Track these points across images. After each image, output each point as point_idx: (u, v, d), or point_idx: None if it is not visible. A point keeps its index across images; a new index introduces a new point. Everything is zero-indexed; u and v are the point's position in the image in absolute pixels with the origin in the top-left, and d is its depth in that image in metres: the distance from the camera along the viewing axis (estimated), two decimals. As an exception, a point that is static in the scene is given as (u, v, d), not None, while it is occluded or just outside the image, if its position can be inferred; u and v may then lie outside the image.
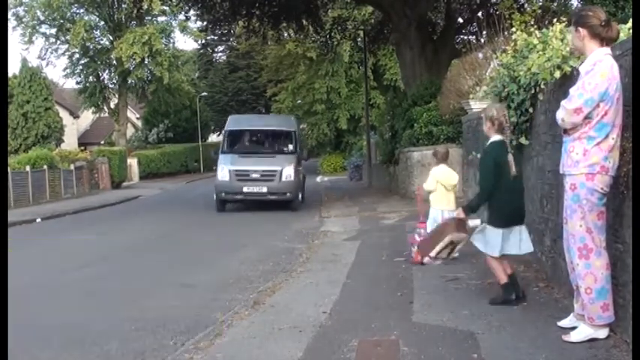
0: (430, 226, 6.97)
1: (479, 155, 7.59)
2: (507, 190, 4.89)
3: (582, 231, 3.78)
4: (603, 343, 3.78)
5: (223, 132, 17.34)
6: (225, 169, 15.53)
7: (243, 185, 15.23)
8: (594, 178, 3.70)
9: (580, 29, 3.77)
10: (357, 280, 6.42)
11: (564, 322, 4.19)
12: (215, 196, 15.80)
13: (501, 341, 4.09)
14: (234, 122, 17.59)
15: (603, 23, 3.71)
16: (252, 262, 8.13)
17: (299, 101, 39.34)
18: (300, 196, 16.15)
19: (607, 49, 3.72)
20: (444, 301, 5.23)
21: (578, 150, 3.74)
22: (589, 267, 3.76)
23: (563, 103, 3.83)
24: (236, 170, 15.39)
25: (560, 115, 3.85)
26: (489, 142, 5.00)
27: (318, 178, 32.30)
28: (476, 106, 9.67)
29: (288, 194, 15.34)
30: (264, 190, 15.20)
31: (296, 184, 15.63)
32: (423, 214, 7.36)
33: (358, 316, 4.95)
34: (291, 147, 16.58)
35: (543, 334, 4.11)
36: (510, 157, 4.86)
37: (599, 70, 3.63)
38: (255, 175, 15.31)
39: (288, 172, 15.37)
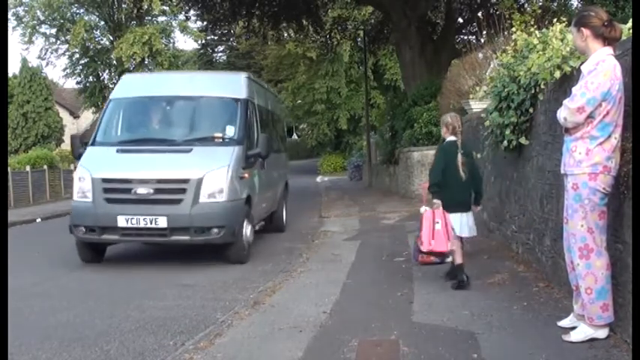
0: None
1: (479, 155, 7.63)
2: (454, 183, 5.83)
3: (583, 231, 3.78)
4: (603, 343, 3.78)
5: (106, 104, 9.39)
6: (86, 177, 7.88)
7: (118, 212, 7.60)
8: (597, 178, 3.70)
9: (583, 29, 3.79)
10: (357, 280, 6.43)
11: (564, 322, 4.19)
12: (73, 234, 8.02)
13: (501, 341, 4.10)
14: (129, 85, 9.46)
15: (606, 23, 3.73)
16: (252, 262, 8.12)
17: (299, 101, 39.34)
18: (247, 231, 8.12)
19: (609, 49, 3.74)
20: (444, 301, 5.23)
21: (581, 149, 3.74)
22: (589, 267, 3.76)
23: (565, 102, 3.84)
24: (105, 180, 7.80)
25: (562, 114, 3.86)
26: (446, 141, 6.05)
27: (318, 178, 32.30)
28: (476, 106, 9.67)
29: (214, 231, 7.59)
30: (162, 222, 7.53)
31: (235, 207, 7.85)
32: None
33: (358, 316, 4.95)
34: (230, 130, 8.45)
35: (543, 334, 4.11)
36: (460, 157, 5.90)
37: (602, 70, 3.64)
38: (142, 190, 7.62)
39: (217, 184, 7.69)
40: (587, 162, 3.72)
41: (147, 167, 7.90)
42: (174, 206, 7.63)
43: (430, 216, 5.74)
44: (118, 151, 8.32)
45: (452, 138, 6.02)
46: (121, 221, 7.59)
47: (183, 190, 7.64)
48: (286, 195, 12.18)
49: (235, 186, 7.93)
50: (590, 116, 3.68)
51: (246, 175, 8.34)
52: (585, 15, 3.84)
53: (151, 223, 7.59)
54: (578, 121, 3.73)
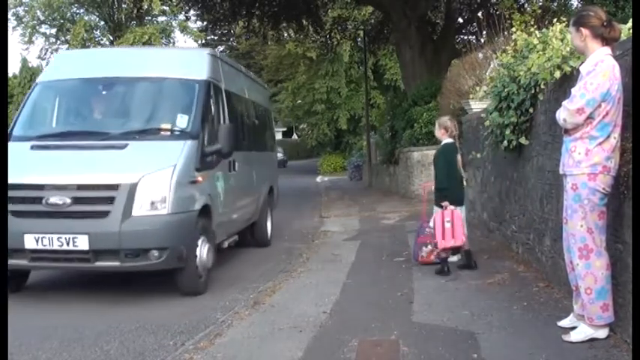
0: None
1: (479, 155, 7.65)
2: (455, 181, 6.44)
3: (583, 231, 3.77)
4: (603, 343, 3.78)
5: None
6: None
7: (25, 230, 5.76)
8: (596, 178, 3.70)
9: (582, 29, 3.78)
10: (357, 280, 6.43)
11: (564, 322, 4.20)
12: None
13: (501, 341, 4.10)
14: (62, 66, 7.66)
15: (605, 23, 3.73)
16: (252, 262, 8.12)
17: (299, 101, 39.34)
18: (203, 252, 6.26)
19: (608, 50, 3.73)
20: (444, 301, 5.23)
21: (581, 150, 3.74)
22: (589, 267, 3.76)
23: (564, 103, 3.84)
24: (11, 186, 5.67)
25: (561, 115, 3.86)
26: (445, 143, 6.55)
27: (318, 178, 32.30)
28: (476, 106, 9.67)
29: (153, 254, 5.79)
30: (82, 243, 5.69)
31: (183, 222, 5.99)
32: (425, 213, 7.38)
33: (358, 316, 4.95)
34: (182, 121, 6.64)
35: (543, 334, 4.11)
36: (459, 157, 6.52)
37: (600, 71, 3.64)
38: (56, 200, 5.78)
39: (157, 191, 5.88)
40: (586, 162, 3.72)
41: (64, 169, 6.01)
42: (99, 221, 5.71)
43: (440, 217, 6.29)
44: (32, 147, 6.37)
45: (449, 140, 6.53)
46: (29, 241, 5.70)
47: (111, 200, 5.72)
48: (272, 202, 10.16)
49: (184, 193, 6.03)
50: (590, 117, 3.68)
51: (201, 178, 6.36)
52: (584, 15, 3.83)
53: (68, 244, 5.66)
54: (578, 122, 3.73)
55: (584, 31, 3.77)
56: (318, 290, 5.97)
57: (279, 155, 45.27)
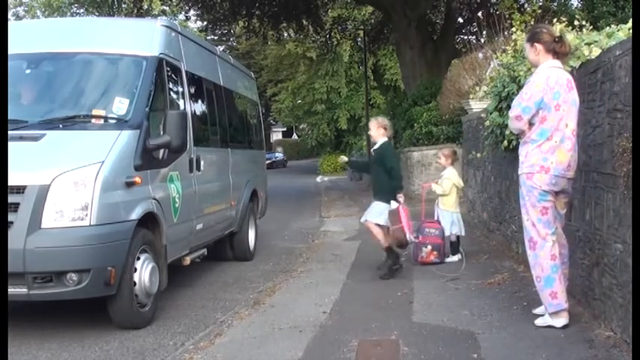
0: (448, 229, 6.93)
1: (479, 155, 7.65)
2: None
3: (529, 225, 4.17)
4: (603, 343, 3.79)
5: None
6: None
7: None
8: (532, 177, 4.08)
9: (536, 45, 4.19)
10: (357, 280, 6.43)
11: (538, 310, 4.45)
12: None
13: (501, 341, 4.10)
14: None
15: (557, 39, 4.14)
16: (252, 262, 8.12)
17: (299, 101, 39.36)
18: (145, 275, 4.99)
19: (554, 62, 4.14)
20: (444, 301, 5.24)
21: (523, 152, 4.17)
22: (537, 257, 4.14)
23: (509, 112, 4.31)
24: None
25: (509, 122, 4.36)
26: (384, 141, 6.50)
27: (318, 178, 32.30)
28: (476, 106, 9.68)
29: (71, 278, 4.53)
30: None
31: (112, 236, 4.67)
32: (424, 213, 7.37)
33: (358, 316, 4.96)
34: (121, 106, 5.26)
35: (543, 334, 4.12)
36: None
37: (533, 82, 4.10)
38: None
39: (76, 196, 4.55)
40: (526, 163, 4.13)
41: None
42: None
43: (405, 212, 6.30)
44: None
45: (386, 138, 6.56)
46: None
47: (14, 207, 4.46)
48: (256, 209, 8.79)
49: (116, 198, 4.77)
50: (531, 122, 4.08)
51: (139, 179, 5.01)
52: (538, 32, 4.25)
53: None
54: (520, 128, 4.16)
55: (538, 46, 4.15)
56: (318, 290, 5.98)
57: (279, 155, 45.78)
